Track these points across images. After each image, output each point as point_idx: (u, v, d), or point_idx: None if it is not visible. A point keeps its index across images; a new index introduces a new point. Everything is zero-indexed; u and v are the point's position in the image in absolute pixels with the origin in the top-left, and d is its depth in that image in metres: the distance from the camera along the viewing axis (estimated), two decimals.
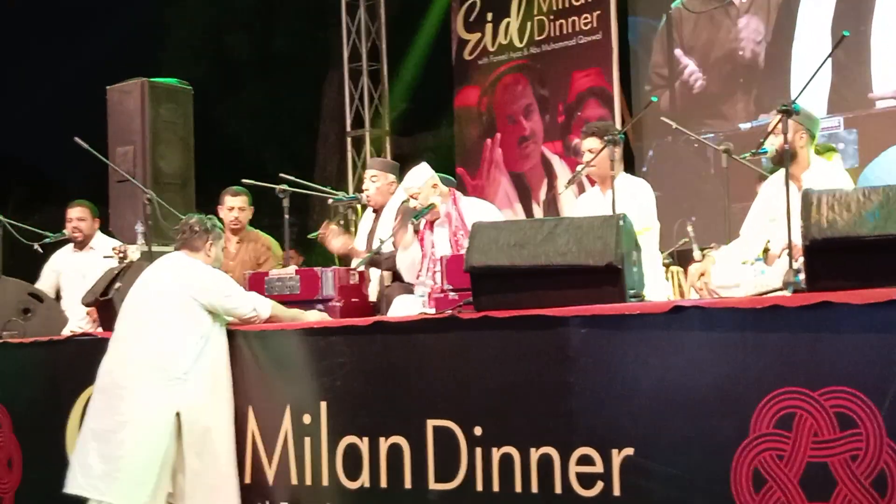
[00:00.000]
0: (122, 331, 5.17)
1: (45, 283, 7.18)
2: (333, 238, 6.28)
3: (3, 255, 6.79)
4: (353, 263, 6.13)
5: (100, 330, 5.90)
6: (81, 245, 7.28)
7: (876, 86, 8.91)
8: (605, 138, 5.32)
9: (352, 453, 4.77)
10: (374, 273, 6.10)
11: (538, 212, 10.81)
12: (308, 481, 4.92)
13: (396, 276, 6.21)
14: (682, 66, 10.06)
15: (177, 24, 17.01)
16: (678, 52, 10.08)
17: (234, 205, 6.93)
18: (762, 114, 9.28)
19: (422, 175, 5.87)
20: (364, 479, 4.73)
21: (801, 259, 4.02)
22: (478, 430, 4.41)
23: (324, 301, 5.30)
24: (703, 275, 4.81)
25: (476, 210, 5.84)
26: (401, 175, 6.56)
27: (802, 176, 4.95)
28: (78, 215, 7.27)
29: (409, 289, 5.76)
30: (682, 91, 10.08)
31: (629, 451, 4.04)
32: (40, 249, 7.04)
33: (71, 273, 7.13)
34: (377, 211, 6.44)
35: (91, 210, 7.37)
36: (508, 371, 4.34)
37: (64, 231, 7.22)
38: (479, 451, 4.40)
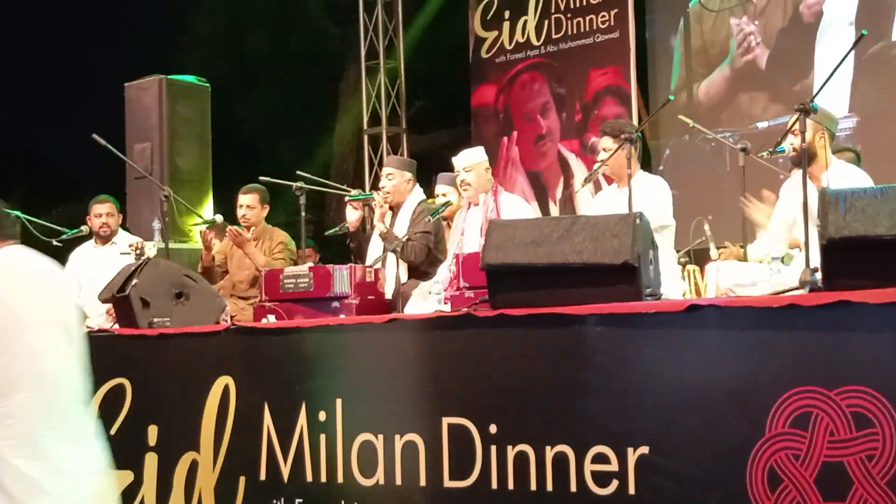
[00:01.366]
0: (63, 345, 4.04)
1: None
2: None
3: None
4: (369, 261, 6.14)
5: (116, 326, 5.92)
6: (105, 240, 7.31)
7: None
8: (622, 136, 5.32)
9: (367, 451, 4.78)
10: (391, 270, 6.11)
11: (555, 210, 10.80)
12: (323, 478, 4.92)
13: (413, 273, 6.22)
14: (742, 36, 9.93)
15: (196, 22, 17.07)
16: (741, 20, 9.88)
17: (243, 202, 7.13)
18: (780, 112, 9.24)
19: (477, 155, 6.04)
20: (379, 477, 4.73)
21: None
22: (493, 428, 4.40)
23: (339, 298, 5.30)
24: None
25: (514, 207, 5.90)
26: (417, 173, 6.58)
27: (822, 176, 4.93)
28: (107, 210, 7.33)
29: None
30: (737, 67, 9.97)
31: (644, 449, 4.02)
32: (60, 244, 7.07)
33: (93, 269, 7.16)
34: (393, 209, 6.45)
35: (116, 205, 7.45)
36: (524, 369, 4.33)
37: (82, 227, 7.24)
38: (493, 448, 4.39)
